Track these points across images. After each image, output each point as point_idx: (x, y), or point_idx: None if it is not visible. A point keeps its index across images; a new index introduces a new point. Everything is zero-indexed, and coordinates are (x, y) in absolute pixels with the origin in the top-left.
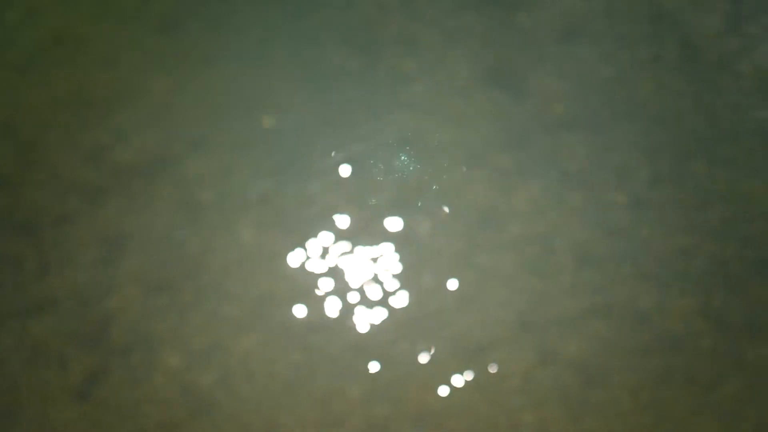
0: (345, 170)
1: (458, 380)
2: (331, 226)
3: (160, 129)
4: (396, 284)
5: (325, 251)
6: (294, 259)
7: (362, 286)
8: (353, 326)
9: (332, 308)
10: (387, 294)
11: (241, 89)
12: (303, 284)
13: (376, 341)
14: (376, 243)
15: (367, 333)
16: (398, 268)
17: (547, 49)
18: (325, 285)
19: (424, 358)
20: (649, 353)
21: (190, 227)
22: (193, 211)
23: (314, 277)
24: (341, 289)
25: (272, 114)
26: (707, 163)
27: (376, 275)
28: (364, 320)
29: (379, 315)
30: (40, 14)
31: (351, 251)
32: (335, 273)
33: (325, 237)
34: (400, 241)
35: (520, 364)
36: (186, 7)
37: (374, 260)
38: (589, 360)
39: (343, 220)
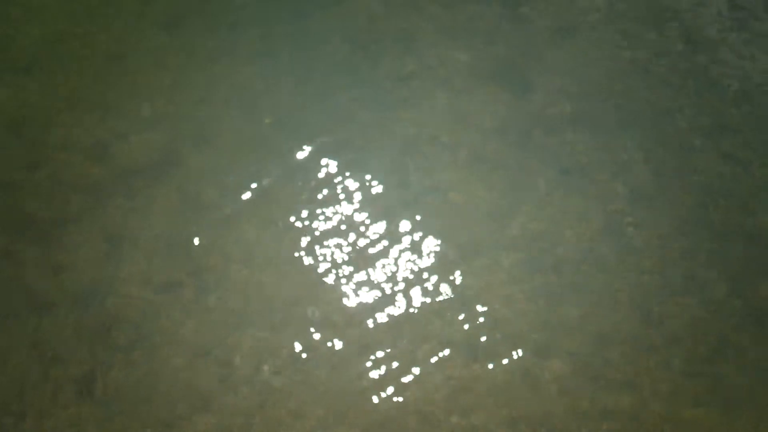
0: (347, 168)
1: (460, 377)
2: (334, 223)
3: (163, 127)
4: (398, 282)
5: (330, 248)
6: (298, 256)
7: (364, 284)
8: (356, 326)
9: (335, 306)
10: (390, 291)
11: (244, 87)
12: (307, 282)
13: (378, 339)
14: (380, 240)
15: (369, 332)
16: (401, 265)
17: (549, 46)
18: (329, 282)
19: (425, 355)
20: (652, 349)
21: (193, 226)
22: (197, 210)
23: (318, 275)
24: (343, 287)
25: (275, 111)
26: (709, 160)
27: (379, 273)
28: (367, 319)
29: (382, 313)
30: (44, 14)
31: (354, 248)
32: (339, 271)
33: (329, 233)
34: (402, 237)
35: (521, 360)
36: (189, 6)
37: (378, 257)
38: (591, 356)
39: (345, 218)
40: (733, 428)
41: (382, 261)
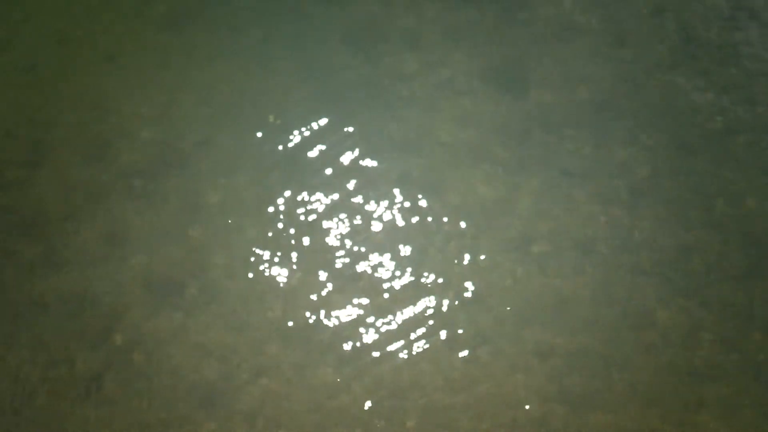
0: (347, 167)
1: (459, 376)
2: (334, 223)
3: (164, 127)
4: (399, 281)
5: (331, 248)
6: (299, 257)
7: (363, 278)
8: (352, 324)
9: (335, 307)
10: (388, 284)
11: (244, 87)
12: (308, 282)
13: (380, 337)
14: (380, 240)
15: (368, 318)
16: (402, 264)
17: (548, 47)
18: (330, 284)
19: (419, 351)
20: (650, 347)
21: (193, 225)
22: (198, 210)
23: (320, 275)
24: (344, 287)
25: (274, 111)
26: (709, 159)
27: (380, 273)
28: (366, 306)
29: (383, 311)
30: (44, 14)
31: (354, 249)
32: (339, 270)
33: (330, 234)
34: (404, 237)
35: (520, 357)
36: (188, 6)
37: (378, 257)
38: (589, 353)
39: (346, 218)
40: (734, 428)
41: (382, 259)
